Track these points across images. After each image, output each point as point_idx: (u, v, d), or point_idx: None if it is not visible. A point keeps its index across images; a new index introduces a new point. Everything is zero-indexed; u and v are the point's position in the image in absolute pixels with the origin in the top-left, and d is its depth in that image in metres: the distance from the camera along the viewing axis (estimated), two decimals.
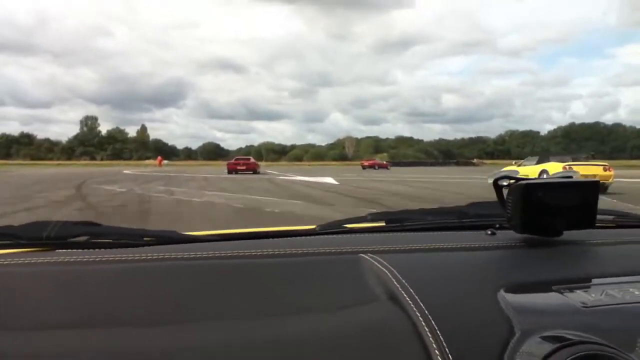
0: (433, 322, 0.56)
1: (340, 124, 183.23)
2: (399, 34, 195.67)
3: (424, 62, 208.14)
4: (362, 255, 0.74)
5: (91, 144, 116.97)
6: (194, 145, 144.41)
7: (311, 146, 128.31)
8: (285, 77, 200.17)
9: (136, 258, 0.70)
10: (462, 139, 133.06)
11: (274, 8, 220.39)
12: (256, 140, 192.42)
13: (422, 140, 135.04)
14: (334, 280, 0.68)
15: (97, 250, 0.74)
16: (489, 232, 0.92)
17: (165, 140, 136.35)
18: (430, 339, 0.54)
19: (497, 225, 0.95)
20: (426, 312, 0.58)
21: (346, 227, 0.96)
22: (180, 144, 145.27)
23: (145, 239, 0.79)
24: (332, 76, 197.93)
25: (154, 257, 0.70)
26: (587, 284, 0.70)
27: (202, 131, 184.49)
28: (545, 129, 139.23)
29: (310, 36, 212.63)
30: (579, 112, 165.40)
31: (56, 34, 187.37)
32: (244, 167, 31.38)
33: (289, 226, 0.98)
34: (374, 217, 1.02)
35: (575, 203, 0.83)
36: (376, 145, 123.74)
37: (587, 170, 13.64)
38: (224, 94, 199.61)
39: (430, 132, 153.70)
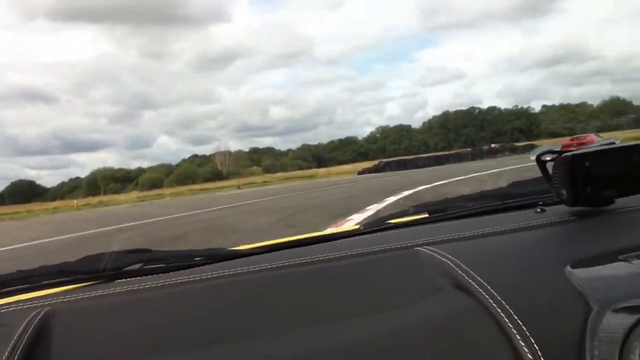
0: (507, 307, 0.56)
1: (169, 147, 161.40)
2: (218, 50, 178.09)
3: (248, 76, 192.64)
4: (419, 248, 0.73)
5: None
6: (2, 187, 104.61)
7: (166, 166, 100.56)
8: (101, 102, 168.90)
9: (190, 279, 0.71)
10: (332, 142, 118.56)
11: (80, 29, 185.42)
12: (76, 174, 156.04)
13: (290, 150, 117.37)
14: (396, 277, 0.67)
15: (152, 276, 0.75)
16: (539, 210, 0.90)
17: None
18: (508, 323, 0.54)
19: (541, 202, 0.93)
20: (498, 297, 0.57)
21: (390, 223, 0.95)
22: None
23: (195, 259, 0.80)
24: (153, 98, 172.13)
25: (207, 276, 0.71)
26: None
27: (10, 171, 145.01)
28: (365, 131, 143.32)
29: (123, 57, 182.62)
30: (394, 112, 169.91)
31: None
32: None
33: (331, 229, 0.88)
34: (416, 210, 1.01)
35: (623, 169, 0.81)
36: (249, 158, 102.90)
37: None
38: (33, 127, 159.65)
39: (262, 146, 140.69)
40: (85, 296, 0.69)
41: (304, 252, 0.79)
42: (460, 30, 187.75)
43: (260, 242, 0.91)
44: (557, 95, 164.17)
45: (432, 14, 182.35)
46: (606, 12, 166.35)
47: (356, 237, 0.88)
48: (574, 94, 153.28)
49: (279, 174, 62.87)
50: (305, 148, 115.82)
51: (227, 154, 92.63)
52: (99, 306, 0.66)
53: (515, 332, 0.52)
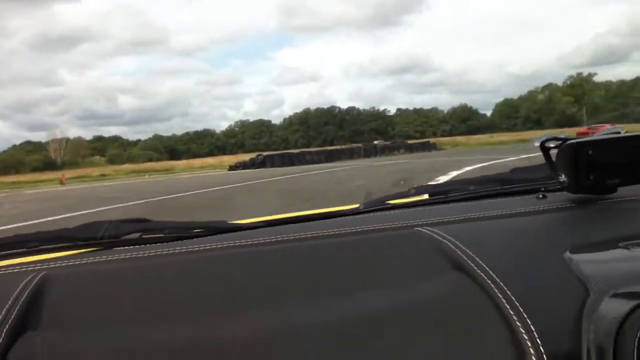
0: (505, 289, 0.56)
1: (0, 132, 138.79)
2: (63, 30, 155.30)
3: (95, 61, 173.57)
4: (419, 228, 0.73)
5: None
6: None
7: None
8: None
9: (189, 250, 0.71)
10: (187, 134, 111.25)
11: None
12: None
13: (139, 140, 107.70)
14: (394, 256, 0.67)
15: (150, 245, 0.75)
16: (540, 196, 0.90)
17: None
18: (506, 304, 0.54)
19: (543, 189, 0.94)
20: (497, 279, 0.57)
21: (390, 204, 0.95)
22: None
23: (195, 230, 0.80)
24: None
25: (206, 247, 0.71)
26: None
27: None
28: (222, 126, 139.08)
29: None
30: (250, 109, 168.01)
31: None
32: None
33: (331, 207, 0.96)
34: (417, 191, 1.01)
35: (627, 158, 0.81)
36: (91, 147, 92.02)
37: None
38: None
39: (107, 135, 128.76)
40: (83, 262, 0.69)
41: (303, 227, 0.79)
42: (316, 33, 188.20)
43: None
44: (402, 102, 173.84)
45: (291, 14, 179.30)
46: (447, 29, 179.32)
47: (356, 216, 0.89)
48: (416, 101, 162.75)
49: (125, 166, 54.73)
50: (156, 139, 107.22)
51: (64, 141, 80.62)
52: (96, 272, 0.66)
53: (512, 313, 0.53)
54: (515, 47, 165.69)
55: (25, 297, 0.57)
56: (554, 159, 0.85)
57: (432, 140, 47.75)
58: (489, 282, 0.57)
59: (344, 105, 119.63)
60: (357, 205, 0.95)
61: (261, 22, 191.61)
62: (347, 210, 0.93)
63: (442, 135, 77.03)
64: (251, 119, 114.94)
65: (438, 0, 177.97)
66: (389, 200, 0.97)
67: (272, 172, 21.69)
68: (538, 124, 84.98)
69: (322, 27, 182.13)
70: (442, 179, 9.39)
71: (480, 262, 0.61)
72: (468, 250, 0.63)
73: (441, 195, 0.97)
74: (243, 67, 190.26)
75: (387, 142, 44.25)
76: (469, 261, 0.61)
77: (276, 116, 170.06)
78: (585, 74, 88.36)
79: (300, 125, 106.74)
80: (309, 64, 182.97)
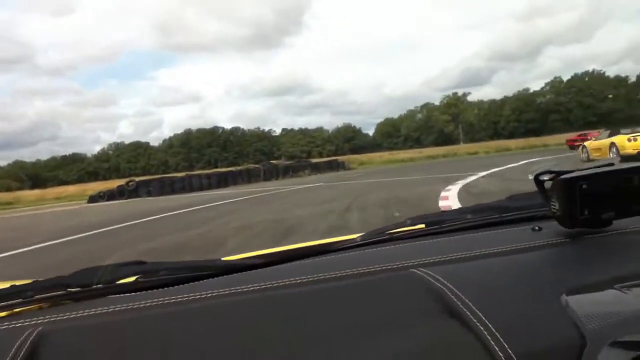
0: (501, 339, 0.55)
1: None
2: None
3: None
4: (414, 270, 0.73)
5: None
6: None
7: None
8: None
9: (184, 299, 0.70)
10: (54, 158, 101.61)
11: None
12: None
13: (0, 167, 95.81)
14: (390, 300, 0.67)
15: (146, 292, 0.74)
16: (536, 228, 0.90)
17: None
18: (502, 357, 0.53)
19: (539, 215, 0.95)
20: (492, 328, 0.57)
21: (387, 234, 0.96)
22: None
23: (191, 271, 0.80)
24: None
25: (202, 296, 0.71)
26: None
27: None
28: (95, 149, 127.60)
29: None
30: (127, 131, 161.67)
31: None
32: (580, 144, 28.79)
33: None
34: (413, 222, 1.01)
35: (621, 191, 0.81)
36: None
37: None
38: None
39: None
40: (79, 315, 0.68)
41: (301, 268, 0.79)
42: (197, 53, 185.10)
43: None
44: (285, 123, 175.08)
45: (167, 33, 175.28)
46: (326, 51, 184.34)
47: (354, 251, 0.90)
48: (299, 122, 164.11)
49: None
50: (18, 165, 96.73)
51: None
52: (93, 326, 0.66)
53: None
54: (388, 70, 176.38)
55: (22, 356, 0.57)
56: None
57: (340, 158, 43.46)
58: (485, 331, 0.57)
59: (227, 126, 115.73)
60: (355, 236, 0.96)
61: (137, 41, 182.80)
62: (345, 241, 0.93)
63: (328, 155, 76.56)
64: (127, 142, 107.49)
65: (317, 23, 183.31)
66: (386, 231, 0.98)
67: (146, 207, 15.21)
68: (418, 142, 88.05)
69: (203, 47, 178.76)
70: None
71: (474, 307, 0.60)
72: (462, 295, 0.63)
73: (437, 225, 0.97)
74: (118, 87, 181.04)
75: (291, 162, 38.76)
76: (462, 307, 0.61)
77: (155, 138, 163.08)
78: (460, 94, 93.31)
79: (181, 147, 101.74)
80: (190, 84, 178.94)
